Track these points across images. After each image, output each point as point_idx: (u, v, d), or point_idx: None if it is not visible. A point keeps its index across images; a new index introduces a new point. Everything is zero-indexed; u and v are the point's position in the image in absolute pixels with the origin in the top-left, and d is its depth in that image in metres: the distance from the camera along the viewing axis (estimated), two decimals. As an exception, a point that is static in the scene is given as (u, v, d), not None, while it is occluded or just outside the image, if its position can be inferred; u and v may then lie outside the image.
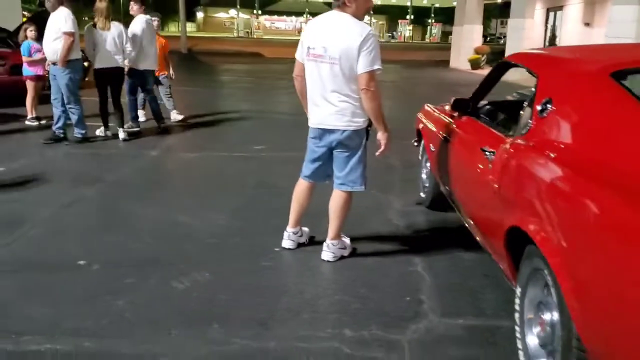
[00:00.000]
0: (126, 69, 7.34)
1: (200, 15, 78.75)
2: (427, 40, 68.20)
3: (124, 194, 5.24)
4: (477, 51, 23.54)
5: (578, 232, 1.91)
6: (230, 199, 5.01)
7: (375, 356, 2.67)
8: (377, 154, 3.53)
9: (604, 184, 1.92)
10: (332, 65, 3.37)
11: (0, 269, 3.52)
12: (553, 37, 22.36)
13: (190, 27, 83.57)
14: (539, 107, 2.58)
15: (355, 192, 3.67)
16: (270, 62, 25.25)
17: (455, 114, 3.86)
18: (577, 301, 1.86)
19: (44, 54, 7.14)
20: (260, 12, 66.41)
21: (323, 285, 3.45)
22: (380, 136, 3.50)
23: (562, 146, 2.32)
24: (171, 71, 8.72)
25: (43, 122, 8.01)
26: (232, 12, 68.03)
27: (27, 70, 7.96)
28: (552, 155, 2.28)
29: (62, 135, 7.10)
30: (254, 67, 22.42)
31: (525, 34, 18.27)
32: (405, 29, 66.74)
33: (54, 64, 6.79)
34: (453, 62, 25.31)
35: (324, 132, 3.54)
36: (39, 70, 7.95)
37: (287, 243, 3.92)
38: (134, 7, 7.66)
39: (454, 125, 3.81)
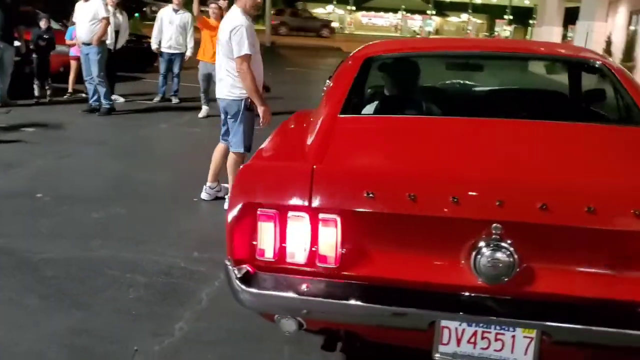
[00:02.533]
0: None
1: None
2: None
3: (110, 154, 6.33)
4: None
5: None
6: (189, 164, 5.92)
7: (201, 269, 3.49)
8: (258, 126, 4.34)
9: None
10: (221, 48, 4.23)
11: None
12: (632, 41, 21.55)
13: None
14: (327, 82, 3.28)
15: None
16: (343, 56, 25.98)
17: None
18: None
19: None
20: (354, 8, 67.01)
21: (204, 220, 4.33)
22: (259, 110, 4.29)
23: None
24: None
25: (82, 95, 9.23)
26: (330, 7, 69.17)
27: (71, 51, 9.25)
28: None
29: (96, 106, 8.32)
30: (321, 61, 23.28)
31: (593, 37, 17.91)
32: (503, 30, 64.93)
33: (88, 44, 7.99)
34: (531, 65, 24.96)
35: (218, 100, 4.42)
36: (76, 51, 9.03)
37: (204, 195, 4.80)
38: None
39: None
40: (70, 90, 9.34)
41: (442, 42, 4.01)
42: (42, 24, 8.90)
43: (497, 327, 1.88)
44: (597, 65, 2.89)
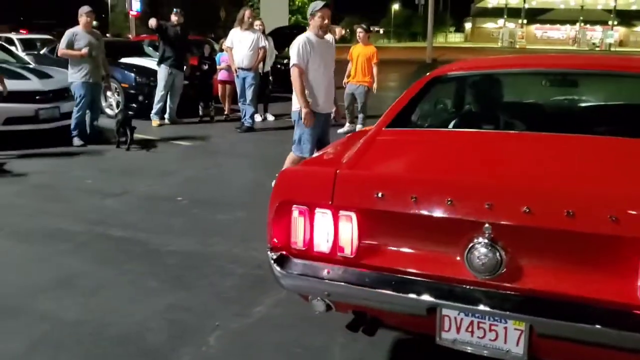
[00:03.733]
0: None
1: (468, 26, 79.51)
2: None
3: (249, 165, 7.10)
4: None
5: None
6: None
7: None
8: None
9: None
10: None
11: (144, 199, 5.61)
12: None
13: (458, 37, 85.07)
14: None
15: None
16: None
17: None
18: None
19: (227, 63, 9.40)
20: (525, 21, 64.30)
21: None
22: (302, 111, 5.03)
23: None
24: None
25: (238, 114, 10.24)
26: (501, 21, 67.22)
27: (219, 76, 10.18)
28: None
29: (250, 124, 9.28)
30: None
31: None
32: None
33: (246, 69, 8.96)
34: None
35: None
36: (224, 76, 10.01)
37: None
38: None
39: None
40: (226, 112, 10.41)
41: (526, 60, 3.98)
42: (206, 50, 10.12)
43: (491, 319, 2.09)
44: None
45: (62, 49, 7.59)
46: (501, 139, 2.87)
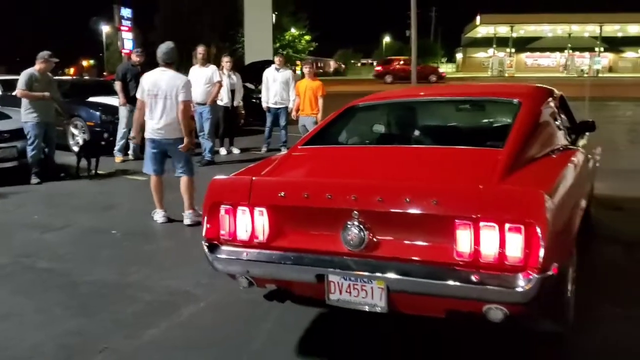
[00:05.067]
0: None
1: (459, 56, 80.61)
2: None
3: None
4: None
5: None
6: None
7: (196, 292, 4.15)
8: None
9: None
10: None
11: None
12: None
13: (451, 67, 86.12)
14: None
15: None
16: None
17: None
18: None
19: None
20: (514, 50, 65.30)
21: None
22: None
23: None
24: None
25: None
26: (491, 51, 68.15)
27: None
28: None
29: (210, 159, 9.55)
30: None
31: None
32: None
33: (202, 104, 9.27)
34: None
35: None
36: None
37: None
38: None
39: None
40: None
41: (411, 91, 5.13)
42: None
43: (361, 281, 2.79)
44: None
45: (22, 89, 7.87)
46: (376, 151, 3.89)
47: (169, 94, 5.69)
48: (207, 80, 9.28)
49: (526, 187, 2.73)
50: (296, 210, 2.95)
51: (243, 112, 11.36)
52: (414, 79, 31.65)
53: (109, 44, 53.72)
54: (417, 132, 4.40)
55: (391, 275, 2.69)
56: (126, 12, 35.34)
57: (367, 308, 2.81)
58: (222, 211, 3.04)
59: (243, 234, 3.02)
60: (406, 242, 2.76)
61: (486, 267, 2.56)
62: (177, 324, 3.68)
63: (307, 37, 48.93)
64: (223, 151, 10.54)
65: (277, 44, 45.37)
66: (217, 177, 3.21)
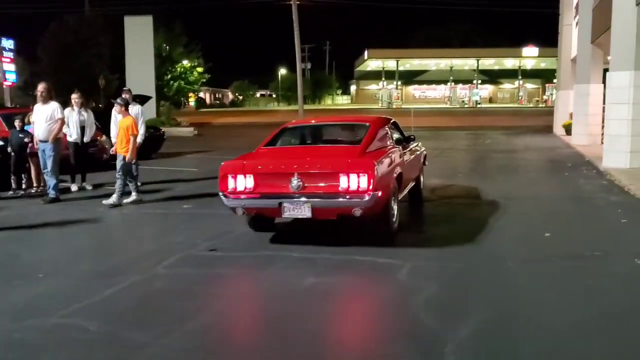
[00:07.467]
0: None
1: (353, 88, 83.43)
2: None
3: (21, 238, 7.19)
4: (571, 116, 23.00)
5: None
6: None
7: None
8: None
9: None
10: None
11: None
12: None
13: (345, 99, 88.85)
14: None
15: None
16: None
17: None
18: None
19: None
20: (400, 82, 68.52)
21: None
22: None
23: None
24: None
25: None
26: (381, 84, 70.96)
27: (29, 149, 10.10)
28: None
29: (56, 196, 9.33)
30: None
31: (590, 100, 17.95)
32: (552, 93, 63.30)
33: (44, 141, 9.13)
34: (555, 127, 24.78)
35: None
36: (33, 149, 9.93)
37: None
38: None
39: None
40: (35, 184, 10.41)
41: (314, 119, 10.00)
42: (17, 124, 10.09)
43: (299, 204, 6.10)
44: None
45: None
46: (300, 147, 7.57)
47: None
48: (49, 118, 9.17)
49: (367, 159, 6.17)
50: (267, 175, 6.33)
51: (107, 146, 11.28)
52: (301, 112, 32.52)
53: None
54: (319, 138, 7.93)
55: (313, 199, 6.02)
56: (8, 43, 33.77)
57: (301, 216, 6.14)
58: (229, 178, 6.30)
59: (241, 188, 6.28)
60: (319, 184, 6.11)
61: (352, 192, 5.98)
62: None
63: (200, 69, 48.71)
64: (74, 187, 10.36)
65: (169, 76, 45.01)
66: (225, 162, 6.49)
